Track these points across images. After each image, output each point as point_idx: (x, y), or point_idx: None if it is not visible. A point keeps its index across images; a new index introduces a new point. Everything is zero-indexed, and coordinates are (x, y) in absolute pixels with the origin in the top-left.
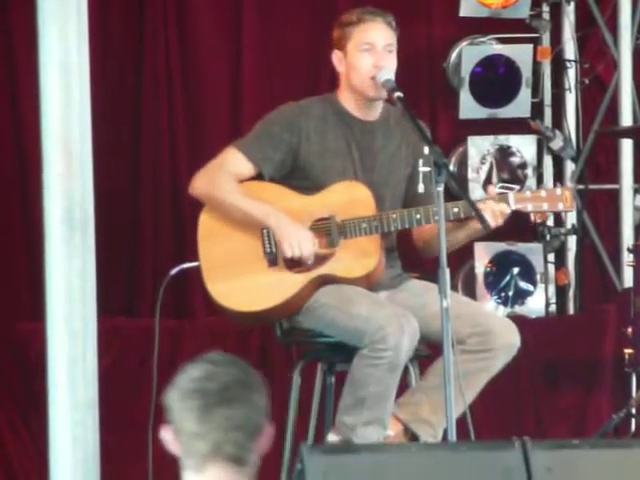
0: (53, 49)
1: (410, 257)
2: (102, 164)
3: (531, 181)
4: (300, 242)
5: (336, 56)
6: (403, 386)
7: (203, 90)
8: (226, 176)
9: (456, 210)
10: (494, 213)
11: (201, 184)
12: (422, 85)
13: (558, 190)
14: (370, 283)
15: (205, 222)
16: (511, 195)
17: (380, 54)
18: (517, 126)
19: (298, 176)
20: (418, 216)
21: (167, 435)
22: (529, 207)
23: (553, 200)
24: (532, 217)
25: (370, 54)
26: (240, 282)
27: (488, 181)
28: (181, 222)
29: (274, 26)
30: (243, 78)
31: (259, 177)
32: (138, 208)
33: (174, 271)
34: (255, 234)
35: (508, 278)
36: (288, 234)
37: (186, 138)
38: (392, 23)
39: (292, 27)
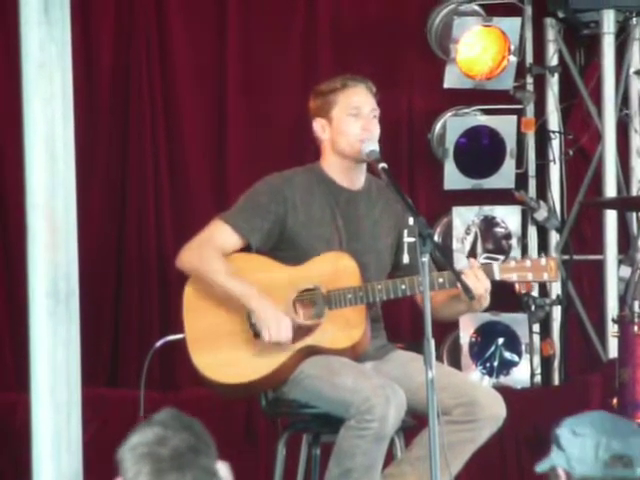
0: (38, 121)
1: (400, 325)
2: (86, 233)
3: (516, 251)
4: (279, 329)
5: (319, 124)
6: (389, 457)
7: (187, 157)
8: (213, 252)
9: (441, 280)
10: (477, 277)
11: (188, 259)
12: (404, 156)
13: (543, 260)
14: (356, 354)
15: (190, 294)
16: (496, 265)
17: (367, 118)
18: (502, 197)
19: (284, 247)
20: (403, 286)
21: None
22: (514, 277)
23: (538, 270)
24: (517, 287)
25: (357, 119)
26: (225, 354)
27: (473, 252)
28: (166, 293)
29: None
30: (227, 143)
31: (247, 248)
32: (122, 278)
33: (159, 343)
34: (240, 306)
35: (493, 348)
36: (268, 320)
37: (171, 205)
38: (373, 89)
39: (277, 96)
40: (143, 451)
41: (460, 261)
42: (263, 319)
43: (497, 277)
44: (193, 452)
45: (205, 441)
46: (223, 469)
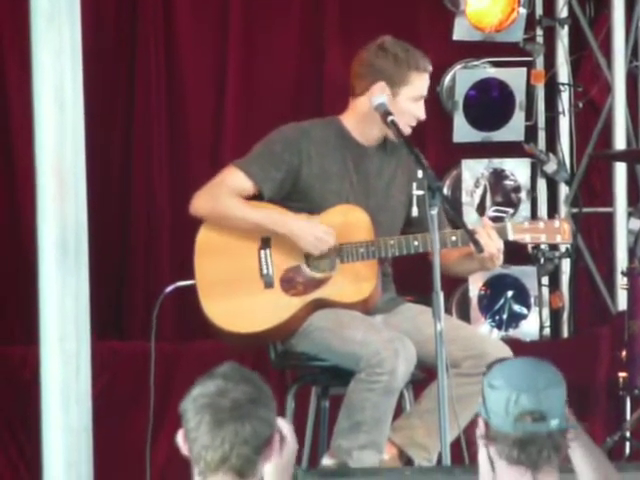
0: (47, 74)
1: (410, 277)
2: (92, 182)
3: (525, 205)
4: (320, 241)
5: (380, 88)
6: (398, 410)
7: (187, 105)
8: (227, 192)
9: (454, 239)
10: (491, 237)
11: (202, 202)
12: None
13: (556, 222)
14: (366, 308)
15: (202, 240)
16: (509, 225)
17: (422, 105)
18: (511, 149)
19: (296, 198)
20: (416, 243)
21: (180, 439)
22: (527, 238)
23: (551, 232)
24: (529, 245)
25: (417, 104)
26: (235, 303)
27: (482, 204)
28: (177, 242)
29: (261, 50)
30: (226, 105)
31: (258, 197)
32: (130, 228)
33: (169, 289)
34: (252, 255)
35: (502, 301)
36: (305, 236)
37: (176, 154)
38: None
39: (280, 51)
40: (204, 402)
41: (470, 214)
42: (300, 238)
43: (510, 237)
44: (252, 404)
45: (265, 393)
46: (285, 427)
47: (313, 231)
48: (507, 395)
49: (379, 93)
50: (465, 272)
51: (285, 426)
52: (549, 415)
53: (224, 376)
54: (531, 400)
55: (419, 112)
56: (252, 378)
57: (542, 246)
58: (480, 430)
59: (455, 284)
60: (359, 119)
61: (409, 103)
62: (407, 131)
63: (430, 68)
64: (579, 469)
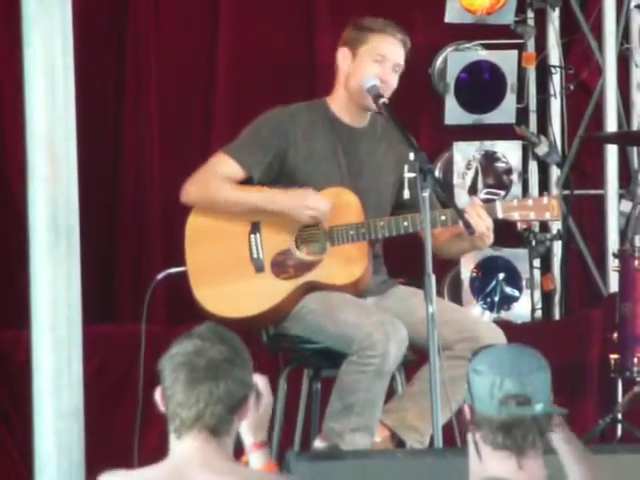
0: (38, 55)
1: (401, 260)
2: (83, 167)
3: (516, 187)
4: (314, 206)
5: (343, 53)
6: (390, 392)
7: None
8: (217, 178)
9: (443, 218)
10: (481, 217)
11: (193, 189)
12: (406, 91)
13: (545, 199)
14: (357, 290)
15: (192, 227)
16: (498, 204)
17: (387, 69)
18: (502, 132)
19: (285, 180)
20: (405, 223)
21: (158, 396)
22: (516, 216)
23: (540, 209)
24: (518, 223)
25: (379, 65)
26: (227, 288)
27: (474, 187)
28: (168, 228)
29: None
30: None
31: (248, 181)
32: (120, 212)
33: (160, 275)
34: (242, 239)
35: (494, 284)
36: (298, 208)
37: (167, 139)
38: (407, 45)
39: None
40: (180, 360)
41: (461, 197)
42: (293, 210)
43: (499, 215)
44: (228, 363)
45: (241, 354)
46: (260, 382)
47: (304, 201)
48: (492, 380)
49: (340, 58)
50: (456, 253)
51: (260, 381)
52: (534, 399)
53: (201, 336)
54: (515, 384)
55: (381, 72)
56: (229, 338)
57: (533, 228)
58: (466, 416)
59: (447, 267)
60: (343, 96)
61: (368, 63)
62: (361, 95)
63: (399, 36)
64: (565, 463)
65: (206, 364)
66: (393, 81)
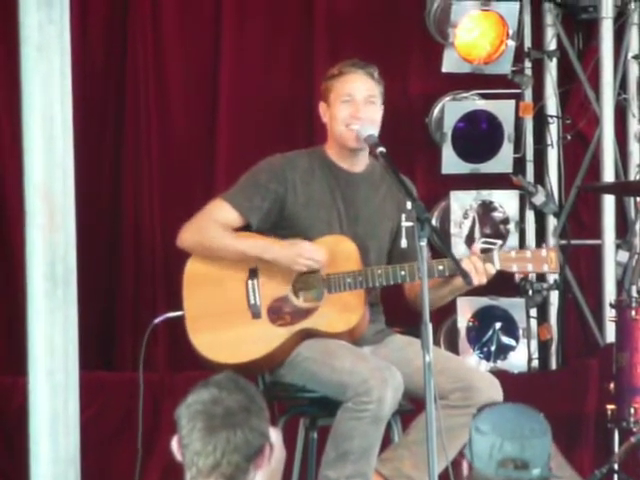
0: (36, 102)
1: (398, 309)
2: (81, 211)
3: (513, 236)
4: (308, 256)
5: (322, 108)
6: (386, 441)
7: (178, 136)
8: (213, 224)
9: (441, 268)
10: (477, 270)
11: (189, 235)
12: (403, 140)
13: (543, 251)
14: (353, 338)
15: (190, 272)
16: (496, 254)
17: (359, 105)
18: (499, 181)
19: (284, 226)
20: (403, 272)
21: (175, 445)
22: (514, 267)
23: (538, 261)
24: (516, 274)
25: (349, 105)
26: (223, 333)
27: (471, 236)
28: (167, 273)
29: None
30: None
31: (246, 228)
32: (119, 257)
33: (158, 319)
34: (240, 285)
35: (490, 333)
36: (292, 258)
37: (167, 179)
38: (374, 74)
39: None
40: (197, 409)
41: (458, 245)
42: (288, 260)
43: (497, 267)
44: (246, 412)
45: (258, 403)
46: (273, 434)
47: (297, 250)
48: (492, 441)
49: (322, 114)
50: (437, 299)
51: (274, 434)
52: (532, 464)
53: (218, 385)
54: (515, 448)
55: (349, 110)
56: (246, 388)
57: (530, 278)
58: (464, 472)
59: (444, 315)
60: (334, 145)
61: (339, 107)
62: (351, 136)
63: (361, 70)
64: None
65: (223, 413)
66: (370, 113)
